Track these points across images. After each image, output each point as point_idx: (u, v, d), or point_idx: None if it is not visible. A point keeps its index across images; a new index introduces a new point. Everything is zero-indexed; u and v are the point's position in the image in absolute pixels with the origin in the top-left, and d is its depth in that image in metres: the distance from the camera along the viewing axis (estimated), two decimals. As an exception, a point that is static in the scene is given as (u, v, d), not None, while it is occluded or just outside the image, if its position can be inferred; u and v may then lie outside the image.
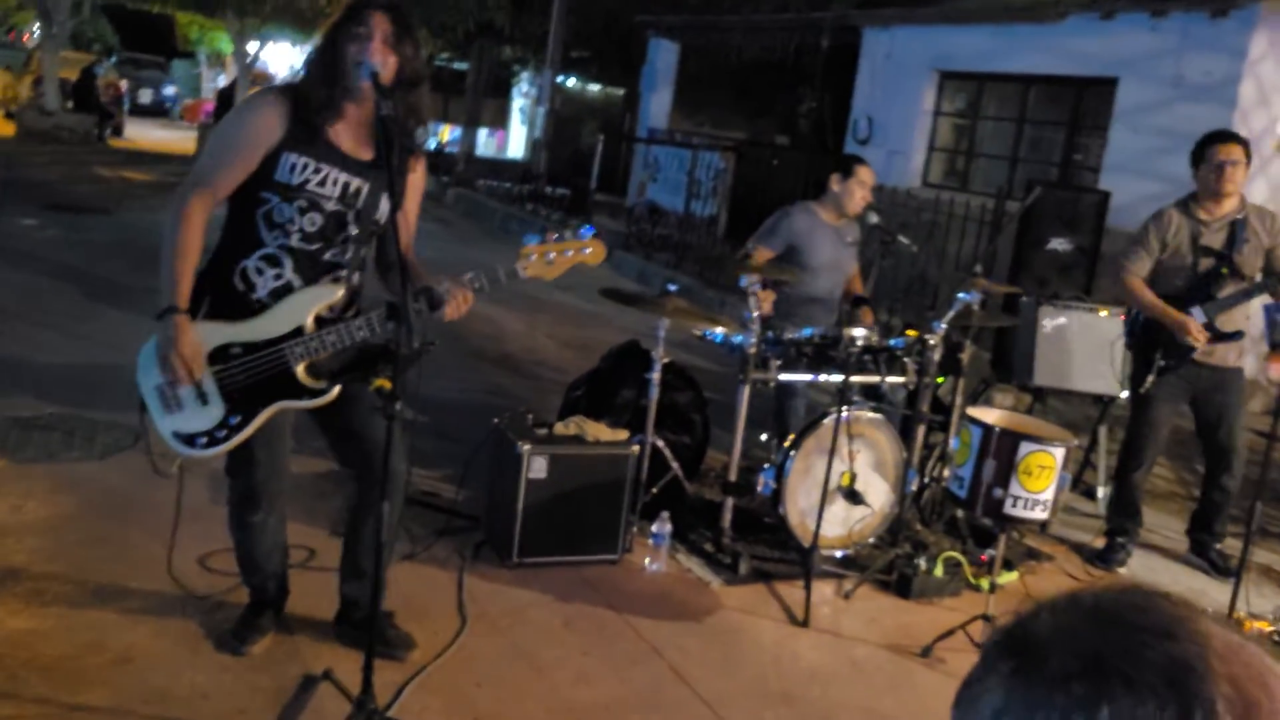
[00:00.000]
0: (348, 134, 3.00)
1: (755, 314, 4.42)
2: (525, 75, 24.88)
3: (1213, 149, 4.71)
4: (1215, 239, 4.72)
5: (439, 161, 20.25)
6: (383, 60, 2.87)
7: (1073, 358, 5.79)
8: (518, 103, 27.81)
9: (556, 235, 3.05)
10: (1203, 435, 4.96)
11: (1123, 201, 8.96)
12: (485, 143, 26.68)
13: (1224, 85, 9.36)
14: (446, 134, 24.37)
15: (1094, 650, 0.75)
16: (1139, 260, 4.82)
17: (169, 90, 32.73)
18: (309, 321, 2.97)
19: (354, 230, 3.03)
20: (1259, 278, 4.70)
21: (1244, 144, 4.73)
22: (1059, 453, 3.65)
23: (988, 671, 0.80)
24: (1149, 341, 4.85)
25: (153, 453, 3.19)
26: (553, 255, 3.04)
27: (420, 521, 4.37)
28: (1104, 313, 5.86)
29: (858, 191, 5.16)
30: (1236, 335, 4.73)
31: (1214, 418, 4.85)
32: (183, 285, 2.91)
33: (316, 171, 2.94)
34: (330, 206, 2.98)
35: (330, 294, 3.00)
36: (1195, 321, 4.66)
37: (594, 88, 26.28)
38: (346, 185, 2.99)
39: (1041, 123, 11.89)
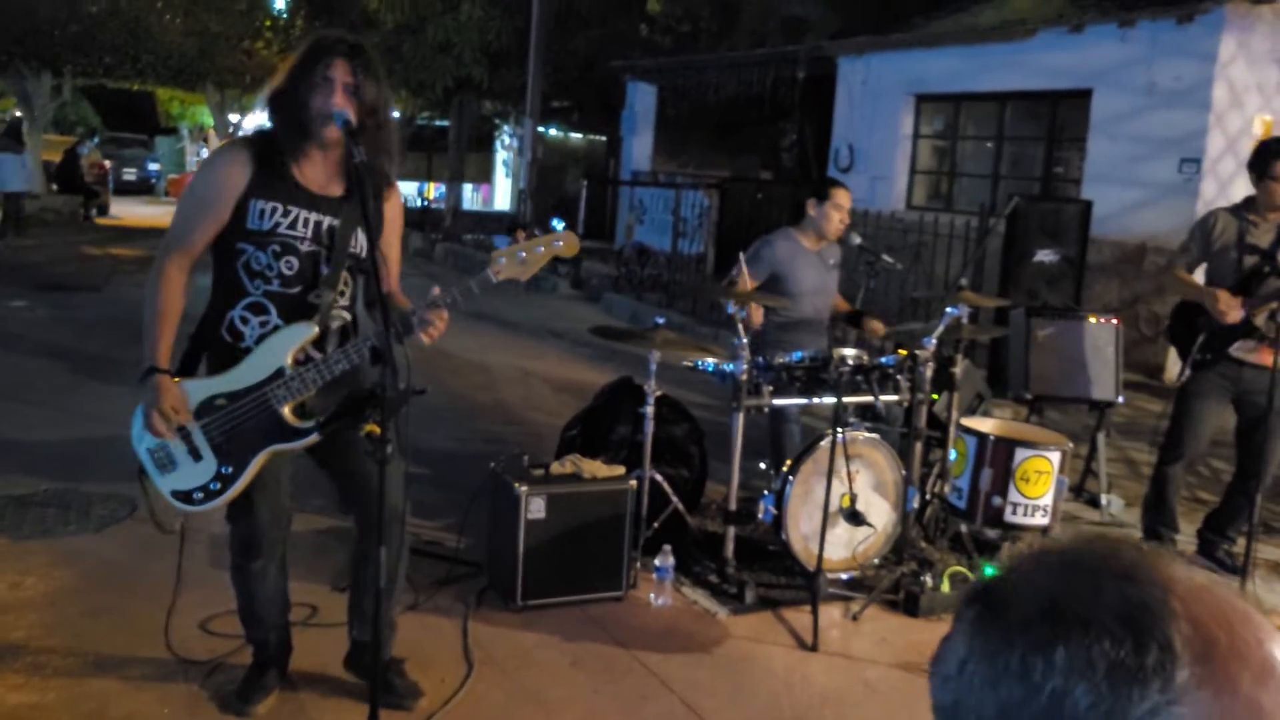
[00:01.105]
0: (315, 173, 3.01)
1: (744, 340, 4.42)
2: (506, 128, 25.07)
3: (1270, 163, 4.61)
4: (1263, 238, 4.69)
5: (426, 218, 20.37)
6: (344, 108, 2.89)
7: (1066, 366, 5.79)
8: (501, 155, 28.00)
9: (526, 235, 3.04)
10: (1239, 436, 4.89)
11: (1105, 211, 9.02)
12: (471, 197, 26.86)
13: (1196, 89, 9.45)
14: (432, 191, 24.52)
15: (1053, 594, 0.75)
16: (1182, 256, 4.92)
17: (153, 166, 32.95)
18: (288, 362, 2.96)
19: (328, 269, 3.03)
20: None
21: None
22: (1055, 457, 3.64)
23: (957, 623, 0.80)
24: (1187, 335, 4.83)
25: (154, 511, 3.17)
26: (523, 254, 3.00)
27: (422, 571, 4.34)
28: (1094, 320, 5.86)
29: (834, 215, 5.17)
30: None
31: (1252, 420, 4.73)
32: (163, 346, 2.94)
33: (286, 214, 2.95)
34: (305, 248, 2.99)
35: (306, 332, 2.99)
36: (1224, 291, 4.63)
37: (576, 136, 26.48)
38: (318, 224, 3.00)
39: (1020, 139, 11.99)
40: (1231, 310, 4.58)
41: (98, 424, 6.25)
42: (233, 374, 2.97)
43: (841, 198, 5.20)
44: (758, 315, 4.73)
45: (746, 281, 5.08)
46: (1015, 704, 0.74)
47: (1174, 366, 9.22)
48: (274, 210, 2.94)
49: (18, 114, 21.74)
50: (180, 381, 2.97)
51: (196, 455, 2.99)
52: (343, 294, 3.09)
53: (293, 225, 2.96)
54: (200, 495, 3.01)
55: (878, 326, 5.18)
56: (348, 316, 3.13)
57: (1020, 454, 3.60)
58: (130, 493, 5.02)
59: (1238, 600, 0.76)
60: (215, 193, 2.95)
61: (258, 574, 3.22)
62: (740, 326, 4.45)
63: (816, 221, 5.21)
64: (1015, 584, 0.79)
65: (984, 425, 3.81)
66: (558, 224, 3.07)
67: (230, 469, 2.99)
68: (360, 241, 3.04)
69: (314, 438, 3.01)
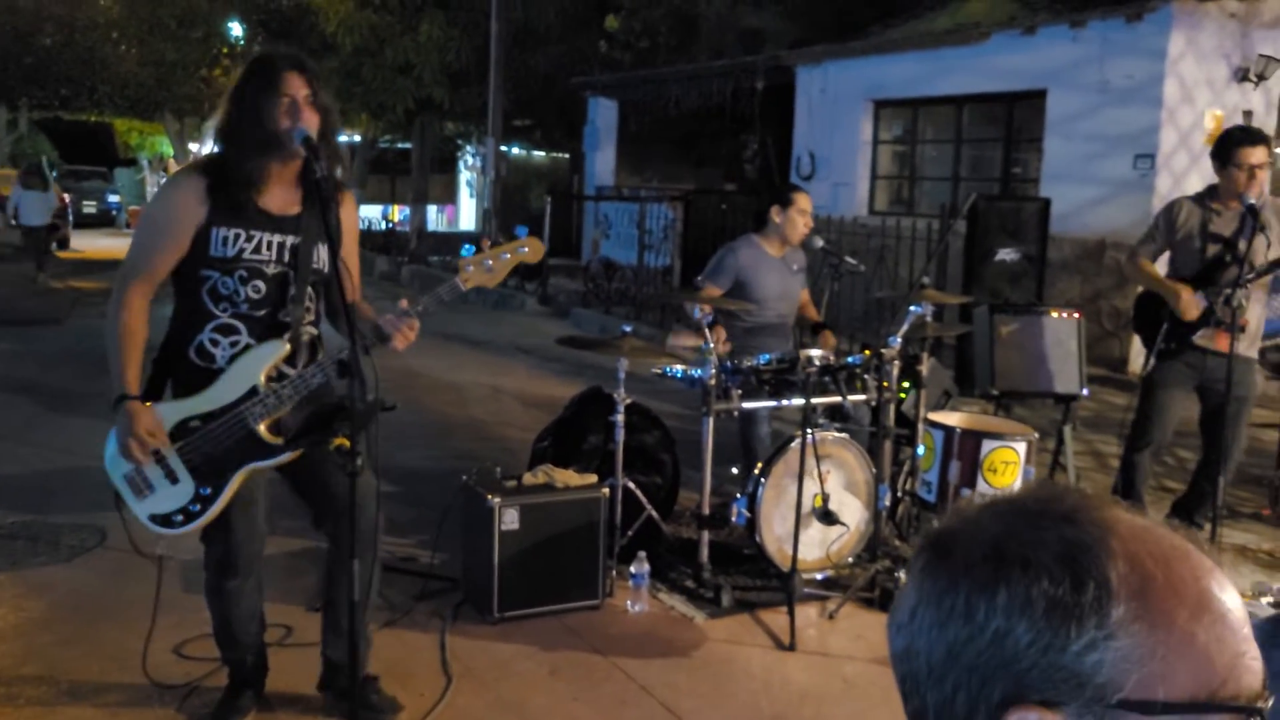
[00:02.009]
0: (274, 194, 3.01)
1: (711, 345, 4.44)
2: (469, 148, 25.08)
3: (1234, 152, 4.62)
4: (1225, 227, 4.73)
5: (391, 241, 20.31)
6: (309, 122, 2.90)
7: (1031, 361, 5.83)
8: (464, 176, 28.01)
9: (491, 243, 3.07)
10: (1204, 425, 4.93)
11: (1063, 208, 9.13)
12: (436, 218, 26.81)
13: (1148, 86, 9.60)
14: (396, 214, 24.46)
15: (996, 538, 0.79)
16: (1146, 244, 4.95)
17: (113, 198, 32.64)
18: (261, 380, 2.96)
19: (294, 287, 3.03)
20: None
21: (1268, 142, 4.67)
22: (1021, 447, 3.69)
23: (909, 573, 0.84)
24: (1151, 324, 4.88)
25: (133, 536, 3.14)
26: (490, 262, 3.02)
27: (398, 588, 4.32)
28: (1056, 314, 5.92)
29: (798, 220, 5.22)
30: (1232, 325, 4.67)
31: (1216, 407, 4.74)
32: (130, 372, 2.92)
33: (249, 239, 2.95)
34: (271, 270, 2.99)
35: (278, 350, 2.99)
36: (1188, 290, 4.67)
37: (539, 154, 26.53)
38: (281, 245, 3.00)
39: (978, 141, 12.12)
40: (1191, 309, 4.64)
41: (63, 456, 6.20)
42: (206, 395, 2.96)
43: (804, 202, 5.26)
44: (722, 342, 4.75)
45: (713, 292, 5.12)
46: (961, 643, 0.77)
47: (1137, 359, 9.33)
48: (237, 237, 2.94)
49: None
50: (154, 406, 2.96)
51: (173, 478, 2.98)
52: (309, 309, 3.10)
53: (257, 250, 2.97)
54: (180, 518, 3.00)
55: (829, 339, 5.22)
56: (315, 330, 3.13)
57: (987, 445, 3.65)
58: (99, 522, 4.98)
59: (1177, 539, 0.79)
60: (172, 222, 2.95)
61: (234, 593, 3.20)
62: (707, 333, 4.47)
63: (781, 227, 5.25)
64: (961, 530, 0.82)
65: (950, 419, 3.86)
66: (521, 231, 3.09)
67: (209, 490, 2.98)
68: (322, 256, 3.05)
69: (292, 455, 3.00)
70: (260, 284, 2.98)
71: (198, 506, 2.99)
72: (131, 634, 3.69)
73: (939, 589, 0.80)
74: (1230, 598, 0.77)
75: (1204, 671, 0.73)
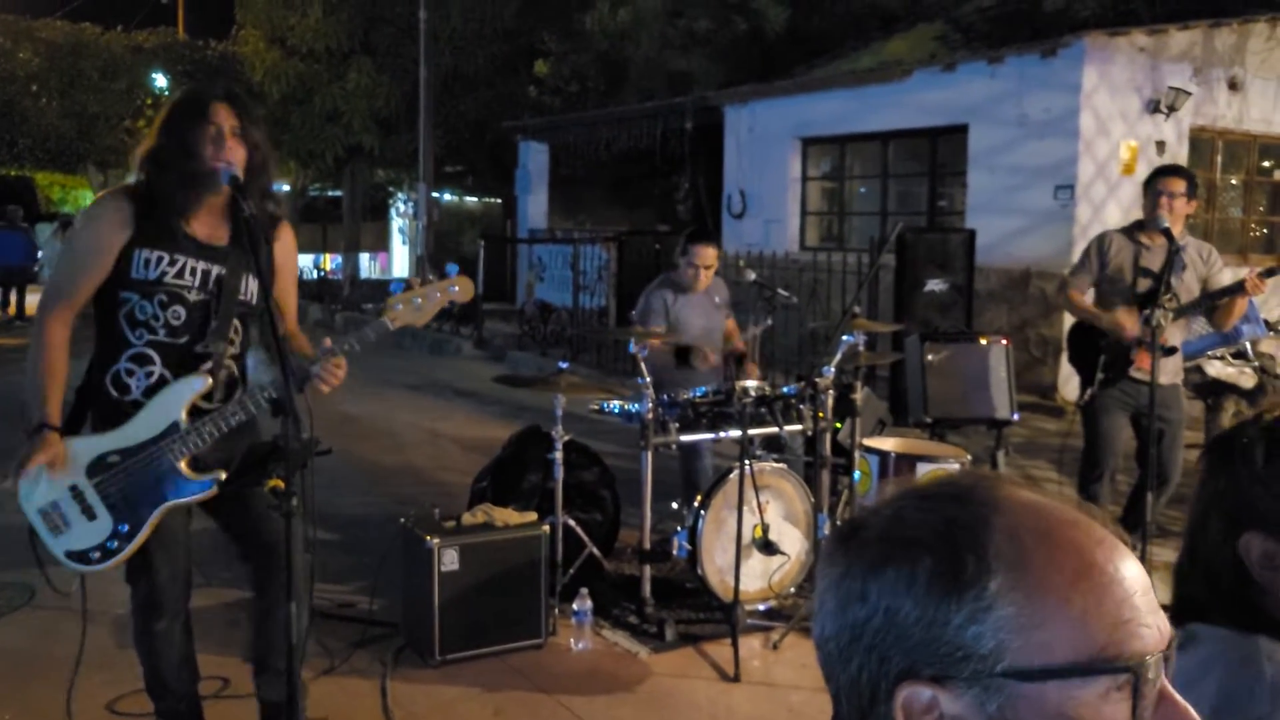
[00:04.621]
0: (202, 222, 2.98)
1: (648, 379, 4.46)
2: (401, 195, 25.00)
3: (1156, 180, 4.79)
4: (1155, 262, 4.80)
5: (324, 289, 20.13)
6: (235, 154, 2.88)
7: (962, 388, 5.94)
8: (397, 223, 27.88)
9: (421, 281, 3.04)
10: (1139, 455, 4.97)
11: (988, 239, 9.33)
12: (369, 266, 26.63)
13: (1064, 119, 9.87)
14: (328, 262, 24.25)
15: (888, 521, 0.82)
16: (1078, 276, 5.00)
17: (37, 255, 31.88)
18: (183, 416, 2.91)
19: (216, 319, 2.99)
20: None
21: (1187, 178, 4.80)
22: (955, 468, 3.73)
23: (819, 564, 0.88)
24: (1088, 354, 4.95)
25: (47, 573, 3.04)
26: (419, 300, 2.99)
27: (336, 635, 4.25)
28: (984, 341, 6.04)
29: (690, 271, 5.23)
30: (1169, 350, 4.76)
31: (1149, 436, 4.75)
32: (50, 402, 2.86)
33: (172, 263, 2.92)
34: (193, 297, 2.95)
35: (200, 385, 2.94)
36: (1122, 309, 4.74)
37: (471, 200, 26.51)
38: (206, 273, 2.97)
39: (904, 175, 12.37)
40: (1129, 323, 4.73)
41: (-12, 513, 6.02)
42: (125, 430, 2.90)
43: (700, 256, 5.24)
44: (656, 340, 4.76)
45: (657, 330, 5.12)
46: (860, 624, 0.80)
47: (1065, 384, 9.53)
48: (160, 259, 2.90)
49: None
50: (71, 440, 2.90)
51: (90, 514, 2.91)
52: (233, 343, 3.06)
53: (180, 274, 2.93)
54: (97, 555, 2.92)
55: (752, 369, 5.26)
56: (235, 367, 3.09)
57: (922, 468, 3.72)
58: (26, 580, 4.84)
59: (1070, 513, 0.82)
60: (96, 245, 2.91)
61: (162, 635, 3.12)
62: (643, 366, 4.48)
63: (681, 273, 5.27)
64: (865, 519, 0.85)
65: (885, 443, 3.92)
66: (452, 269, 3.07)
67: (127, 526, 2.92)
68: (250, 288, 3.02)
69: (211, 490, 2.95)
70: (180, 310, 2.94)
71: (115, 543, 2.92)
72: (63, 693, 3.57)
73: (838, 574, 0.83)
74: (1122, 567, 0.79)
75: (1082, 637, 0.76)
